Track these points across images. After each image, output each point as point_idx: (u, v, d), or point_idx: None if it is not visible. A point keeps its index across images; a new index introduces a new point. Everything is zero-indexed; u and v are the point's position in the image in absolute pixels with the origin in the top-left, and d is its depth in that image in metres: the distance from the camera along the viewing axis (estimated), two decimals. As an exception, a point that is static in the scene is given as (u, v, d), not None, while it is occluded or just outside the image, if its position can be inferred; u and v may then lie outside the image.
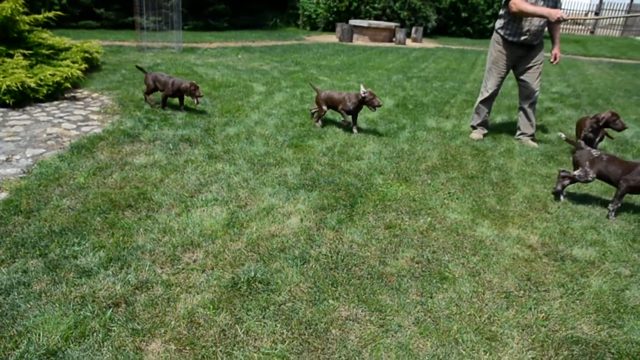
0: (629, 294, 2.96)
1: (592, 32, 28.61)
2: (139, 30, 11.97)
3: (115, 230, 3.31)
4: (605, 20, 26.95)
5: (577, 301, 2.85)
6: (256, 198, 3.94)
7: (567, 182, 4.10)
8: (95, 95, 6.97)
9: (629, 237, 3.66)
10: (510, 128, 6.34)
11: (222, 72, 9.27)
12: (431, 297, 2.79)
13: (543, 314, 2.71)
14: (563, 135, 4.44)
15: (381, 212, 3.79)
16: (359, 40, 17.64)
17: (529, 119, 5.76)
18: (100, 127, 5.48)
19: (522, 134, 5.86)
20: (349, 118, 5.76)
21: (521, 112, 5.81)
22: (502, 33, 5.54)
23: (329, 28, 20.48)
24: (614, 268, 3.23)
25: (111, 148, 4.80)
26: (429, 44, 17.90)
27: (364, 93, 5.43)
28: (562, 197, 4.18)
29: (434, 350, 2.39)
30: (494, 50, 5.66)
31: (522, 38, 5.40)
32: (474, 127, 6.00)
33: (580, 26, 29.36)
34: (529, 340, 2.50)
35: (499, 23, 5.57)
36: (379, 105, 5.49)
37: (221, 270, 2.94)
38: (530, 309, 2.75)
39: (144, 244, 3.16)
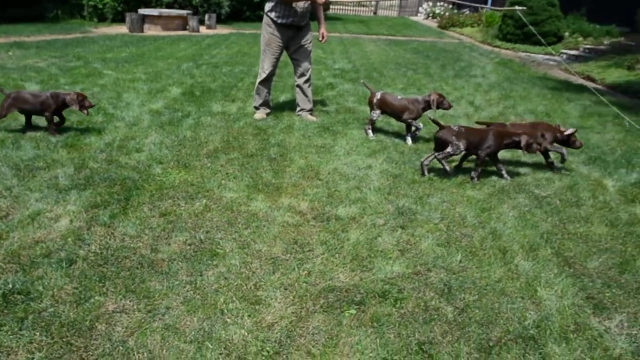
0: (380, 240, 3.38)
1: (375, 13, 31.15)
2: None
3: None
4: (377, 2, 29.57)
5: (337, 254, 3.18)
6: (20, 206, 3.65)
7: (445, 162, 4.45)
8: None
9: (385, 191, 4.15)
10: (292, 106, 6.69)
11: (-14, 73, 8.27)
12: (201, 275, 2.88)
13: (306, 272, 2.97)
14: (431, 116, 4.78)
15: (157, 201, 3.78)
16: (151, 30, 16.99)
17: (305, 95, 6.14)
18: None
19: (301, 109, 6.24)
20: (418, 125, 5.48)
21: (298, 89, 6.18)
22: (271, 16, 5.79)
23: (119, 19, 19.32)
24: (371, 220, 3.65)
25: None
26: (223, 30, 17.93)
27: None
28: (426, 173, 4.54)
29: (200, 324, 2.49)
30: (265, 33, 5.89)
31: (290, 20, 5.71)
32: (256, 108, 6.23)
33: (366, 7, 31.80)
34: (291, 297, 2.74)
35: (268, 6, 5.81)
36: (450, 107, 5.45)
37: (-29, 289, 2.70)
38: (294, 269, 3.00)
39: None
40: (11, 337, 2.37)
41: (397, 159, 4.89)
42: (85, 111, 5.21)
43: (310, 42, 6.01)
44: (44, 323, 2.46)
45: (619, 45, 13.06)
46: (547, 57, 14.14)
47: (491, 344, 2.48)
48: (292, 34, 5.87)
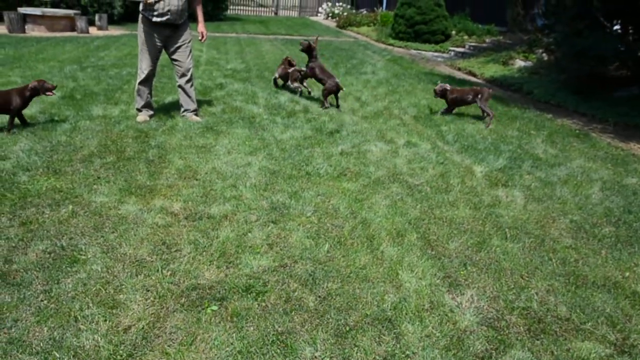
0: (250, 236, 3.42)
1: (276, 14, 31.21)
2: None
3: None
4: (278, 2, 29.70)
5: (204, 253, 3.18)
6: None
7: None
8: None
9: (261, 187, 4.20)
10: (177, 107, 6.56)
11: None
12: (57, 283, 2.78)
13: (170, 272, 2.95)
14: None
15: (19, 210, 3.59)
16: (35, 31, 15.98)
17: (188, 96, 6.06)
18: None
19: (185, 110, 6.15)
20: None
21: (180, 90, 6.08)
22: (146, 14, 5.65)
23: (-3, 19, 18.02)
24: (244, 217, 3.68)
25: None
26: (115, 31, 17.22)
27: None
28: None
29: (49, 334, 2.40)
30: (141, 32, 5.74)
31: (165, 18, 5.60)
32: (139, 110, 6.06)
33: (266, 8, 31.78)
34: (151, 298, 2.70)
35: (142, 5, 5.66)
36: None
37: None
38: (158, 270, 2.96)
39: None
40: None
41: (277, 156, 4.96)
42: (50, 93, 5.45)
43: (189, 42, 5.93)
44: None
45: (498, 43, 13.99)
46: (436, 54, 14.88)
47: (348, 328, 2.59)
48: (169, 32, 5.76)
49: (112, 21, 18.96)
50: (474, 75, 11.10)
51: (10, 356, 2.26)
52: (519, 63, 11.35)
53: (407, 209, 4.04)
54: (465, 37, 16.05)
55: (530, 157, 5.46)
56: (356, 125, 6.28)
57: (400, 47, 15.76)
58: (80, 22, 16.43)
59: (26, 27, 15.89)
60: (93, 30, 17.12)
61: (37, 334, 2.40)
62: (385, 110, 7.19)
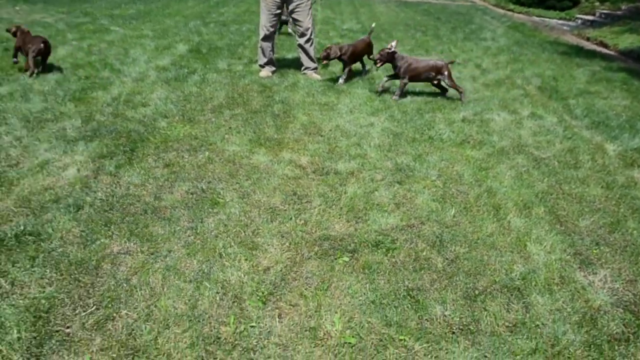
0: (377, 194, 3.48)
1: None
2: None
3: None
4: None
5: (334, 206, 3.28)
6: (30, 155, 3.77)
7: None
8: None
9: (385, 148, 4.23)
10: (298, 64, 6.69)
11: (-5, 27, 8.31)
12: (201, 222, 3.00)
13: (302, 221, 3.08)
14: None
15: (162, 153, 3.89)
16: (159, -13, 16.79)
17: (308, 54, 6.16)
18: None
19: (305, 68, 6.26)
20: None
21: (299, 49, 6.19)
22: (266, -25, 5.76)
23: (127, -25, 19.11)
24: (369, 175, 3.74)
25: None
26: (232, -12, 17.71)
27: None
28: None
29: (199, 266, 2.62)
30: (262, -9, 5.87)
31: None
32: (262, 66, 6.25)
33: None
34: (287, 244, 2.86)
35: None
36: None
37: (-16, 230, 2.84)
38: (292, 218, 3.11)
39: None
40: (24, 273, 2.51)
41: (399, 118, 4.95)
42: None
43: (307, 1, 5.96)
44: (53, 261, 2.60)
45: (637, 10, 12.79)
46: (561, 21, 13.92)
47: (477, 292, 2.59)
48: None
49: (230, -21, 19.45)
50: (606, 46, 10.28)
51: (169, 281, 2.50)
52: (660, 34, 10.36)
53: (534, 182, 3.90)
54: (597, 3, 14.84)
55: (671, 137, 5.04)
56: (477, 93, 6.10)
57: (521, 12, 14.91)
58: (201, -21, 16.99)
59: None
60: (212, -13, 17.68)
61: (188, 264, 2.63)
62: (507, 79, 6.89)
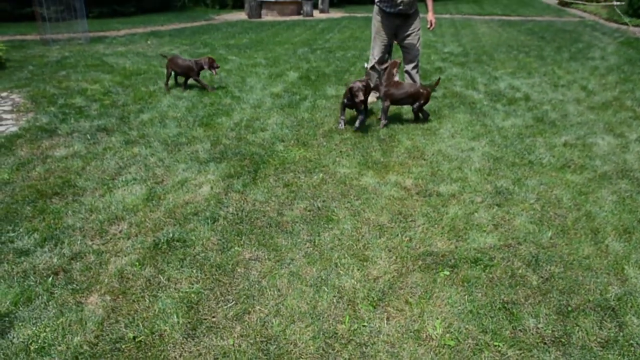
0: (477, 215, 3.75)
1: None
2: (41, 21, 11.78)
3: (45, 215, 3.74)
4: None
5: (436, 225, 3.61)
6: (171, 174, 4.44)
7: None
8: (4, 94, 7.10)
9: (485, 172, 4.47)
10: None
11: (133, 60, 9.48)
12: (319, 236, 3.45)
13: (407, 238, 3.44)
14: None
15: (281, 174, 4.41)
16: (268, 16, 17.97)
17: (414, 80, 6.50)
18: (16, 126, 5.73)
19: (409, 94, 6.61)
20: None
21: (407, 75, 6.56)
22: (380, 5, 6.21)
23: (238, 5, 20.62)
24: (470, 197, 4.02)
25: (30, 144, 5.12)
26: (335, 14, 18.50)
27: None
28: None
29: (318, 274, 3.05)
30: (375, 21, 6.32)
31: (398, 9, 6.08)
32: (367, 92, 6.69)
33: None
34: (394, 257, 3.22)
35: None
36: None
37: (144, 236, 3.47)
38: (398, 235, 3.47)
39: (73, 223, 3.63)
40: (176, 271, 3.08)
41: (499, 143, 5.15)
42: (214, 71, 6.89)
43: (418, 30, 6.33)
44: (198, 263, 3.16)
45: None
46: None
47: (570, 309, 2.80)
48: (400, 22, 6.23)
49: (332, 4, 20.32)
50: None
51: (293, 284, 2.96)
52: None
53: (637, 207, 3.96)
54: None
55: None
56: (581, 116, 6.12)
57: (637, 25, 14.21)
58: (306, 6, 17.99)
59: (262, 12, 17.90)
60: (316, 14, 18.61)
61: (308, 272, 3.08)
62: (615, 101, 6.81)
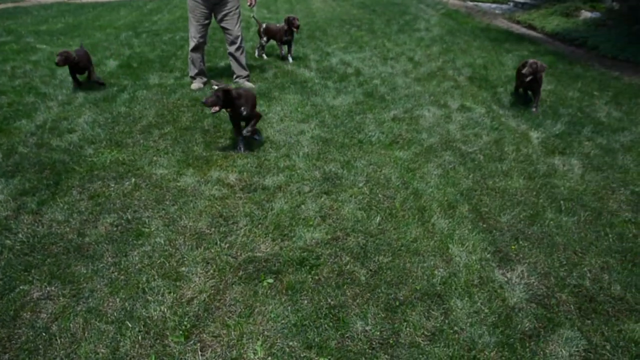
0: (304, 208, 3.52)
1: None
2: None
3: None
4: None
5: (260, 225, 3.31)
6: (-55, 198, 3.64)
7: None
8: None
9: (314, 157, 4.27)
10: (230, 72, 6.65)
11: None
12: (125, 256, 2.98)
13: (228, 245, 3.10)
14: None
15: (87, 184, 3.82)
16: (91, -5, 16.35)
17: (239, 62, 6.14)
18: None
19: (237, 76, 6.24)
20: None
21: (231, 57, 6.16)
22: (192, -16, 5.70)
23: (56, -16, 18.49)
24: (297, 188, 3.78)
25: None
26: (167, -9, 17.38)
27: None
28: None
29: (122, 304, 2.60)
30: (190, 0, 5.80)
31: None
32: (192, 78, 6.20)
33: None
34: (211, 271, 2.87)
35: None
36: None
37: None
38: (217, 242, 3.11)
39: None
40: None
41: (329, 123, 5.00)
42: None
43: (236, 9, 5.93)
44: (-34, 317, 2.54)
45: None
46: (494, 5, 14.26)
47: (398, 303, 2.67)
48: (216, 1, 5.78)
49: (165, -19, 19.07)
50: (534, 29, 10.60)
51: (90, 324, 2.48)
52: (585, 14, 10.73)
53: (459, 179, 4.02)
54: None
55: (591, 121, 5.25)
56: (409, 89, 6.21)
57: (455, -3, 15.17)
58: (134, -16, 16.61)
59: (83, -9, 16.22)
60: (147, -8, 17.29)
61: (110, 304, 2.62)
62: (439, 71, 7.05)
